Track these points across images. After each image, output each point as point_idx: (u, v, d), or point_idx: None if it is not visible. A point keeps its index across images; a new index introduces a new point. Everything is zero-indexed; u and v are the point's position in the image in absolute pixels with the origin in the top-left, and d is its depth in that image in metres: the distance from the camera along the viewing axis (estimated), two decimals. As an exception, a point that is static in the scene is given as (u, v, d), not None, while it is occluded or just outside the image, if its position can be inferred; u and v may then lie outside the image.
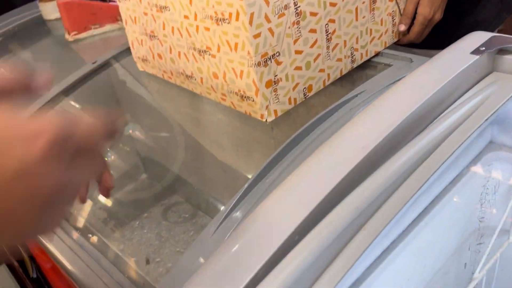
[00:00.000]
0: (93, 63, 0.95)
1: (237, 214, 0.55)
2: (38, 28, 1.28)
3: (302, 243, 0.40)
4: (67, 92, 0.95)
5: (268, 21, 0.61)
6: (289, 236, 0.41)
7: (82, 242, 0.62)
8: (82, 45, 1.11)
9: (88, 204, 0.78)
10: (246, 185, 0.58)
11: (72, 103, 0.96)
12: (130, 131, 0.93)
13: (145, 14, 0.78)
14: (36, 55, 1.18)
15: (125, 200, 0.82)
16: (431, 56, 0.68)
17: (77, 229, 0.66)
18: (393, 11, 0.79)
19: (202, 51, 0.70)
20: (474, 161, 0.58)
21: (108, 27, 1.13)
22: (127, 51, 0.97)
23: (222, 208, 0.59)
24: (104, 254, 0.61)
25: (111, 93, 1.01)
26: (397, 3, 0.78)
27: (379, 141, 0.45)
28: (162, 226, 0.74)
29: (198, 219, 0.76)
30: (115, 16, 1.12)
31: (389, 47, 0.81)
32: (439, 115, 0.51)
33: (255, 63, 0.62)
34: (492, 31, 0.88)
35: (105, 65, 0.97)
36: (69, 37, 1.11)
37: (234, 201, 0.56)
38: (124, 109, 0.98)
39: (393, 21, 0.79)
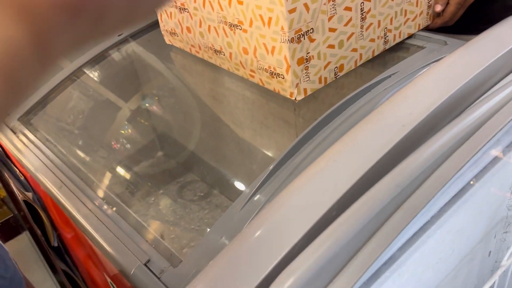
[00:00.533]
0: (119, 35, 0.94)
1: (264, 193, 0.55)
2: None
3: (340, 219, 0.39)
4: (91, 63, 0.94)
5: (305, -4, 0.59)
6: (327, 212, 0.40)
7: (108, 212, 0.62)
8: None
9: (106, 178, 0.78)
10: (272, 165, 0.57)
11: (96, 75, 0.95)
12: (154, 107, 0.93)
13: (175, -14, 0.77)
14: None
15: (141, 176, 0.82)
16: (465, 39, 0.67)
17: (101, 199, 0.66)
18: (429, -8, 0.77)
19: (234, 25, 0.69)
20: (508, 147, 0.57)
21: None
22: (153, 24, 0.96)
23: (244, 186, 0.58)
24: (129, 225, 0.61)
25: (135, 67, 1.00)
26: None
27: (420, 120, 0.44)
28: (177, 203, 0.74)
29: (213, 198, 0.75)
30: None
31: (422, 29, 0.79)
32: (479, 97, 0.50)
33: (288, 39, 0.61)
34: None
35: (131, 37, 0.96)
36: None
37: (261, 180, 0.56)
38: (147, 83, 0.98)
39: (428, 2, 0.78)
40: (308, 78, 0.66)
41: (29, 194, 0.84)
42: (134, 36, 0.97)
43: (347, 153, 0.43)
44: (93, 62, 0.95)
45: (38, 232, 0.85)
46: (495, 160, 0.56)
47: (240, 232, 0.45)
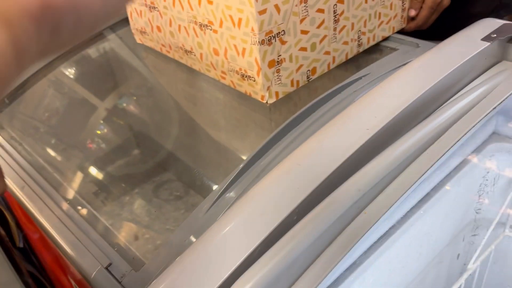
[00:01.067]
0: (90, 32, 0.92)
1: (231, 194, 0.54)
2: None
3: (301, 224, 0.39)
4: (61, 59, 0.92)
5: (275, -4, 0.59)
6: (287, 216, 0.39)
7: (72, 214, 0.61)
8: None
9: (78, 176, 0.76)
10: (241, 165, 0.56)
11: (66, 71, 0.93)
12: (124, 105, 0.91)
13: (147, -16, 0.75)
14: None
15: (116, 175, 0.80)
16: (437, 42, 0.67)
17: (66, 200, 0.64)
18: (402, -5, 0.77)
19: (204, 26, 0.68)
20: (475, 151, 0.57)
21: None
22: (124, 21, 0.95)
23: (216, 187, 0.57)
24: (93, 227, 0.59)
25: (106, 64, 0.98)
26: None
27: (384, 124, 0.43)
28: (152, 203, 0.73)
29: (189, 198, 0.74)
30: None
31: (396, 32, 0.79)
32: (446, 101, 0.50)
33: (258, 41, 0.60)
34: None
35: (101, 34, 0.94)
36: (67, 5, 1.08)
37: (229, 181, 0.55)
38: (119, 81, 0.96)
39: (402, 5, 0.78)
40: (279, 81, 0.66)
41: (-6, 194, 0.82)
42: (103, 33, 0.95)
43: (310, 156, 0.42)
44: (64, 56, 0.93)
45: (2, 232, 0.83)
46: (462, 164, 0.56)
47: (201, 235, 0.44)
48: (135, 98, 0.93)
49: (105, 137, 0.87)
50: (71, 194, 0.68)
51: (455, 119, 0.48)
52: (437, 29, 0.83)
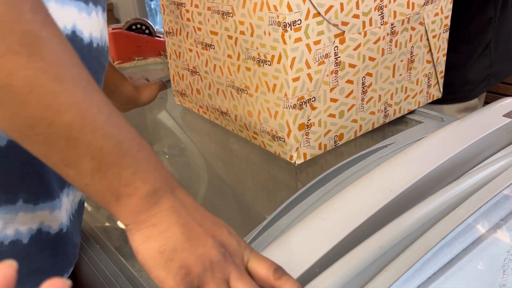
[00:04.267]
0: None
1: (255, 248, 0.56)
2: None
3: (323, 276, 0.40)
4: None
5: (308, 66, 0.64)
6: (310, 267, 0.41)
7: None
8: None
9: (102, 230, 0.79)
10: (264, 222, 0.58)
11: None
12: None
13: (190, 50, 0.82)
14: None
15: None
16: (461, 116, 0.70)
17: (97, 244, 0.67)
18: (429, 72, 0.81)
19: (240, 90, 0.73)
20: (499, 224, 0.58)
21: (151, 60, 1.18)
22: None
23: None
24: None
25: (144, 122, 1.04)
26: (434, 65, 0.81)
27: (407, 187, 0.45)
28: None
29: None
30: (159, 50, 1.18)
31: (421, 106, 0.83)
32: (468, 170, 0.52)
33: (290, 105, 0.64)
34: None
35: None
36: (113, 66, 1.17)
37: (251, 237, 0.57)
38: (154, 139, 1.01)
39: (428, 82, 0.82)
40: (308, 144, 0.69)
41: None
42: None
43: (335, 212, 0.44)
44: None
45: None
46: (485, 235, 0.56)
47: None
48: (167, 156, 0.97)
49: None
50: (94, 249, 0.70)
51: (477, 188, 0.50)
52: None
